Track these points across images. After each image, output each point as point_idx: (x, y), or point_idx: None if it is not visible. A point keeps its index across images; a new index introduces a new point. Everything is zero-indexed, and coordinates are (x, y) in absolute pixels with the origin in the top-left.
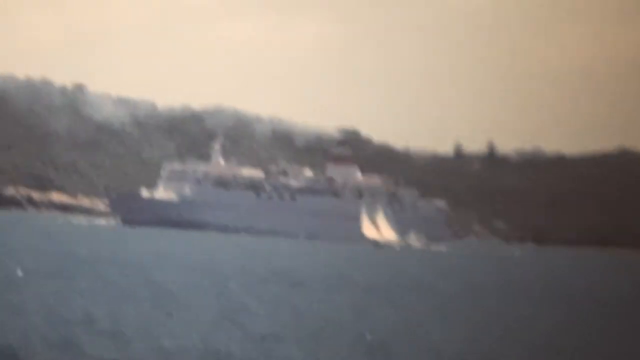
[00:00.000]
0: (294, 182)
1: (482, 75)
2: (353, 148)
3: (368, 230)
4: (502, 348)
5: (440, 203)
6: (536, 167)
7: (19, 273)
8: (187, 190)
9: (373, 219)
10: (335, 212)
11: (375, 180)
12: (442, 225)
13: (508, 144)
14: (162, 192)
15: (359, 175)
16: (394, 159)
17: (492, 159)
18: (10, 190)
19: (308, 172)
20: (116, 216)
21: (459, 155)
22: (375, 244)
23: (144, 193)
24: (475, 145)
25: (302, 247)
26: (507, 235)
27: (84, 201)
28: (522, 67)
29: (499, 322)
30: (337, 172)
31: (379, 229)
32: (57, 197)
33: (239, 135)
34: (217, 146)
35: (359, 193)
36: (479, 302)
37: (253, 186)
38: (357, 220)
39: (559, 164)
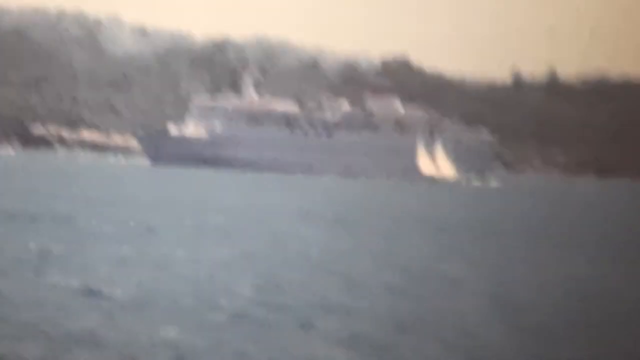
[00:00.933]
0: (330, 117)
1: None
2: (402, 78)
3: (425, 165)
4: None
5: (487, 135)
6: (600, 94)
7: None
8: (218, 126)
9: (431, 153)
10: (375, 147)
11: (417, 113)
12: (489, 158)
13: (571, 70)
14: (192, 129)
15: (400, 107)
16: (446, 89)
17: (553, 86)
18: (39, 129)
19: (345, 106)
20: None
21: (518, 83)
22: (432, 180)
23: (173, 130)
24: (535, 72)
25: (341, 185)
26: (568, 169)
27: (117, 139)
28: None
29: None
30: (376, 105)
31: (436, 163)
32: (88, 135)
33: (272, 66)
34: (248, 79)
35: (400, 127)
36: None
37: (287, 121)
38: (398, 154)
39: (625, 90)
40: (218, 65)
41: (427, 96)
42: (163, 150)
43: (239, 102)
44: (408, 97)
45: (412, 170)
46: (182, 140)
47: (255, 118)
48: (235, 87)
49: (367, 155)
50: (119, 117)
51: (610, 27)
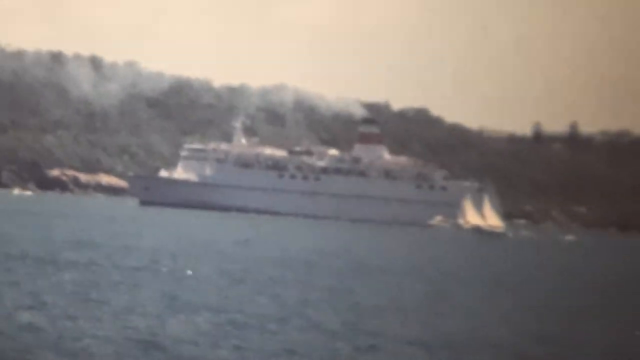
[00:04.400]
0: (318, 162)
1: (565, 51)
2: (421, 127)
3: (471, 216)
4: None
5: (473, 184)
6: (621, 149)
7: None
8: (208, 170)
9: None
10: (360, 193)
11: (402, 160)
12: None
13: (592, 125)
14: (182, 172)
15: (386, 154)
16: (467, 140)
17: (574, 140)
18: (55, 172)
19: (333, 151)
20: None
21: (539, 136)
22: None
23: (162, 172)
24: (556, 126)
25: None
26: (588, 221)
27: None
28: (606, 42)
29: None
30: (363, 151)
31: (483, 215)
32: (105, 179)
33: (264, 113)
34: (238, 124)
35: (386, 173)
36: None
37: (276, 166)
38: (384, 201)
39: None
40: (211, 110)
41: (445, 146)
42: (153, 191)
43: (229, 146)
44: (425, 146)
45: (402, 217)
46: (172, 182)
47: (244, 162)
48: (226, 132)
49: (354, 200)
50: (126, 159)
51: (632, 84)
